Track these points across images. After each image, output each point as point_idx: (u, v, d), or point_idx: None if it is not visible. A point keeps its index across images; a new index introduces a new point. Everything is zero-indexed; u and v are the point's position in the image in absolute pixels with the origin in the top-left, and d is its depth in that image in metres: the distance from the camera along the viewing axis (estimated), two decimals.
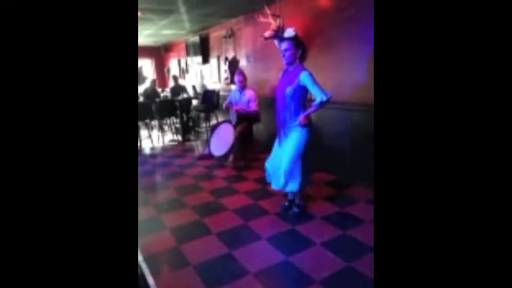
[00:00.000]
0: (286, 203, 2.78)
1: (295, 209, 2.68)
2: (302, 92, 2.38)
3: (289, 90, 2.35)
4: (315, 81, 2.32)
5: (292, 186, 2.52)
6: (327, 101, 2.31)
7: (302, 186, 2.54)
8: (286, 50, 2.33)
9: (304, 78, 2.31)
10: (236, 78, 4.23)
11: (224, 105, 4.31)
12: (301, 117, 2.37)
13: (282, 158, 2.50)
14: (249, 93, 4.18)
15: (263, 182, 3.47)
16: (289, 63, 2.38)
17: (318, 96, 2.30)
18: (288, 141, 2.47)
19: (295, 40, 2.33)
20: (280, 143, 2.56)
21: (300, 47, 2.34)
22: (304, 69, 2.36)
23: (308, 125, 2.43)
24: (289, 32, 2.35)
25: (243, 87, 4.21)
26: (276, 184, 2.60)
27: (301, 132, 2.42)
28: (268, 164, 2.66)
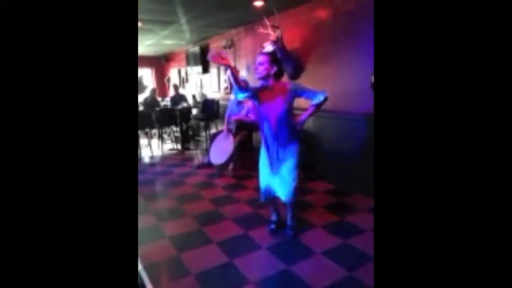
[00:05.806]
0: (273, 226, 2.60)
1: (289, 232, 2.51)
2: (292, 105, 2.31)
3: (285, 106, 2.24)
4: (305, 86, 2.32)
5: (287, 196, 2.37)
6: (325, 100, 2.26)
7: (295, 196, 2.38)
8: (260, 63, 2.24)
9: (296, 88, 2.28)
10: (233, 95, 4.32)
11: (226, 121, 4.33)
12: (302, 121, 2.35)
13: (284, 176, 2.34)
14: (246, 104, 4.24)
15: None
16: (260, 78, 2.28)
17: (317, 96, 2.25)
18: (286, 157, 2.34)
19: (271, 56, 2.27)
20: (275, 165, 2.37)
21: (275, 65, 2.24)
22: (288, 82, 2.28)
23: (300, 134, 2.39)
24: (267, 48, 2.30)
25: (240, 102, 4.29)
26: (283, 195, 2.41)
27: (296, 144, 2.35)
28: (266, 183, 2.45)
